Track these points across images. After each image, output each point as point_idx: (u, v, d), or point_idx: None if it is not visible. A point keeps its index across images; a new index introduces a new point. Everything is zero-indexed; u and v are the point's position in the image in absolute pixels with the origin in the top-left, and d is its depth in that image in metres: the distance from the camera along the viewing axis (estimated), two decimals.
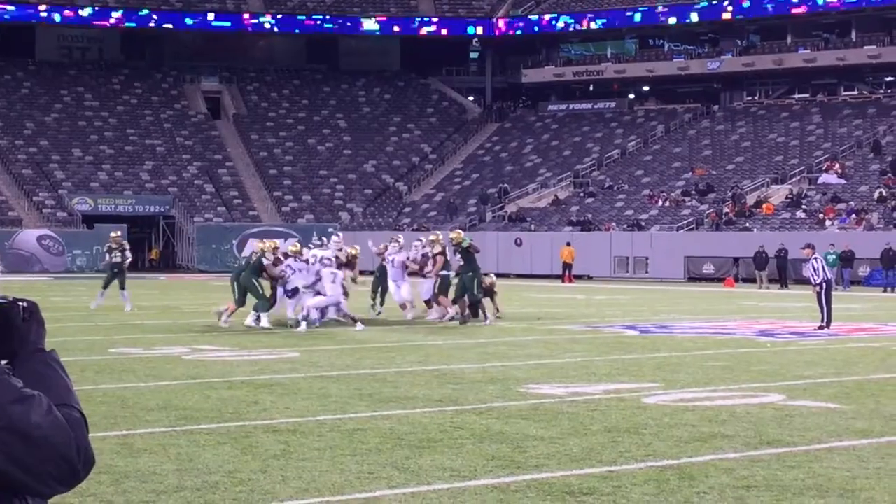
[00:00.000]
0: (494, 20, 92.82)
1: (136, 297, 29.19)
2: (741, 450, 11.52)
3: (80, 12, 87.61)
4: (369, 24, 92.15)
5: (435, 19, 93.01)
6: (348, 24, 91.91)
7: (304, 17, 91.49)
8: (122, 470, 10.27)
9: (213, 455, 11.00)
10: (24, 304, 3.00)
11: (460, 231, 32.18)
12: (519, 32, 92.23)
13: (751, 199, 67.60)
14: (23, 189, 76.53)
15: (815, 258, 28.07)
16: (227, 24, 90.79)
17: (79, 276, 63.74)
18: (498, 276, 62.67)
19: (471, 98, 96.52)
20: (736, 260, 59.55)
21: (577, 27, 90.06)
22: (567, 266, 61.32)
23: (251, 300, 27.37)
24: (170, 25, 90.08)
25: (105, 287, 33.34)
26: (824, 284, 27.58)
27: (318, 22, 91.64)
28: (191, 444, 11.63)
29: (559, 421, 13.19)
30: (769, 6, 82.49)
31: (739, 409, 14.28)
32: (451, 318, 28.84)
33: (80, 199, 75.49)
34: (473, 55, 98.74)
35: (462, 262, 29.43)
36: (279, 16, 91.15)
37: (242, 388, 15.93)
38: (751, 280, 56.16)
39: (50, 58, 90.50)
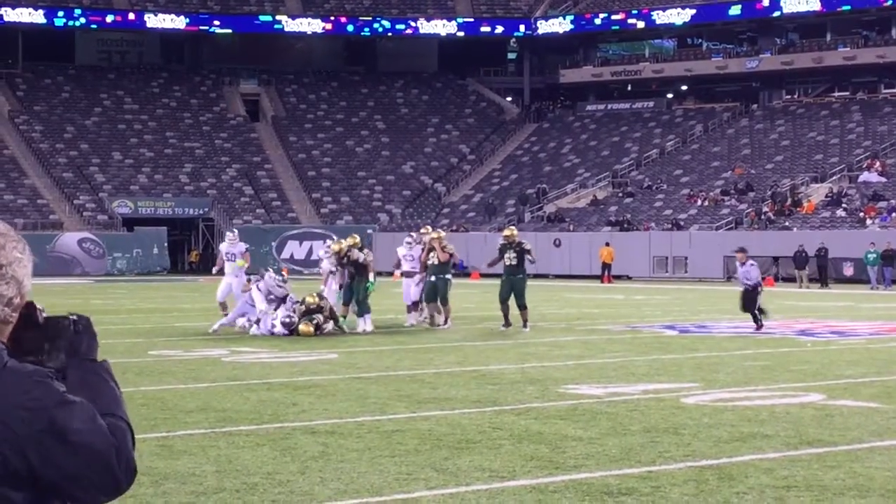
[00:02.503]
0: (532, 20, 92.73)
1: (176, 300, 29.41)
2: (781, 450, 11.46)
3: (120, 16, 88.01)
4: (407, 26, 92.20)
5: (472, 20, 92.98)
6: (386, 25, 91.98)
7: (342, 19, 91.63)
8: (161, 471, 10.32)
9: (253, 456, 11.03)
10: (75, 318, 3.02)
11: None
12: (557, 32, 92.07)
13: (790, 198, 67.26)
14: (63, 192, 76.94)
15: (752, 263, 28.00)
16: (266, 26, 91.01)
17: (119, 279, 64.09)
18: (536, 276, 62.77)
19: (509, 98, 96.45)
20: (776, 259, 59.27)
21: (616, 26, 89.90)
22: (606, 266, 61.21)
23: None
24: (209, 28, 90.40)
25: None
26: (759, 287, 27.44)
27: (357, 24, 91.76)
28: (230, 445, 11.67)
29: (598, 421, 13.17)
30: (809, 4, 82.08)
31: (779, 408, 14.22)
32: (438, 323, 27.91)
33: (120, 202, 75.84)
34: (511, 55, 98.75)
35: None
36: (317, 18, 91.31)
37: (281, 390, 15.97)
38: (790, 279, 55.89)
39: (89, 62, 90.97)
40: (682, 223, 67.61)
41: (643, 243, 64.42)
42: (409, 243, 29.53)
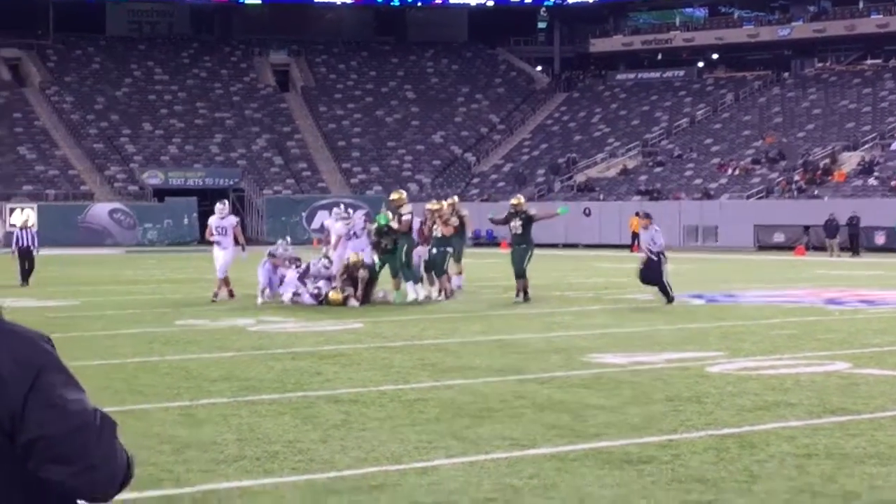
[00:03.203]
0: None
1: (205, 270, 29.46)
2: (804, 418, 11.42)
3: None
4: None
5: None
6: None
7: None
8: (183, 440, 10.36)
9: (274, 425, 11.06)
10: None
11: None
12: (587, 1, 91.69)
13: (830, 165, 66.91)
14: (94, 163, 77.19)
15: (656, 229, 26.31)
16: None
17: (150, 250, 64.31)
18: (566, 246, 62.66)
19: (539, 68, 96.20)
20: (806, 228, 59.02)
21: None
22: (636, 236, 60.99)
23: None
24: None
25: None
26: (661, 256, 25.80)
27: None
28: (252, 414, 11.70)
29: (621, 390, 13.15)
30: None
31: (804, 377, 14.17)
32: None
33: (150, 172, 76.03)
34: (542, 25, 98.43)
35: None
36: None
37: (306, 359, 16.00)
38: (822, 248, 55.66)
39: (120, 33, 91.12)
40: (712, 192, 67.39)
41: (673, 213, 64.20)
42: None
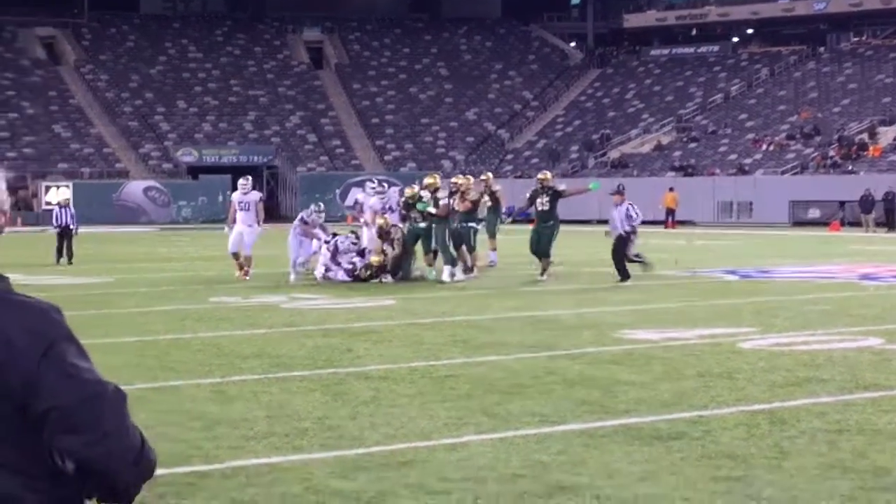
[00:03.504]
0: None
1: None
2: (835, 394, 11.38)
3: None
4: None
5: None
6: None
7: None
8: (214, 416, 10.38)
9: (304, 402, 11.08)
10: None
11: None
12: None
13: (857, 142, 66.52)
14: (129, 141, 77.43)
15: (630, 204, 25.66)
16: None
17: (184, 227, 64.49)
18: (600, 221, 62.44)
19: (572, 44, 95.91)
20: (842, 204, 58.72)
21: None
22: (670, 212, 60.89)
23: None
24: None
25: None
26: (631, 234, 25.21)
27: None
28: (282, 391, 11.72)
29: (652, 366, 13.12)
30: None
31: (836, 353, 14.11)
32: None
33: (184, 150, 76.21)
34: (575, 1, 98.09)
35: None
36: None
37: (337, 336, 16.01)
38: (857, 224, 55.38)
39: (154, 11, 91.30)
40: (746, 168, 67.10)
41: (708, 188, 64.02)
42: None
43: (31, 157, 73.97)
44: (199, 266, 31.26)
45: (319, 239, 26.37)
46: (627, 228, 25.19)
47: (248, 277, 26.05)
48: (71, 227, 33.08)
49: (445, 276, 25.25)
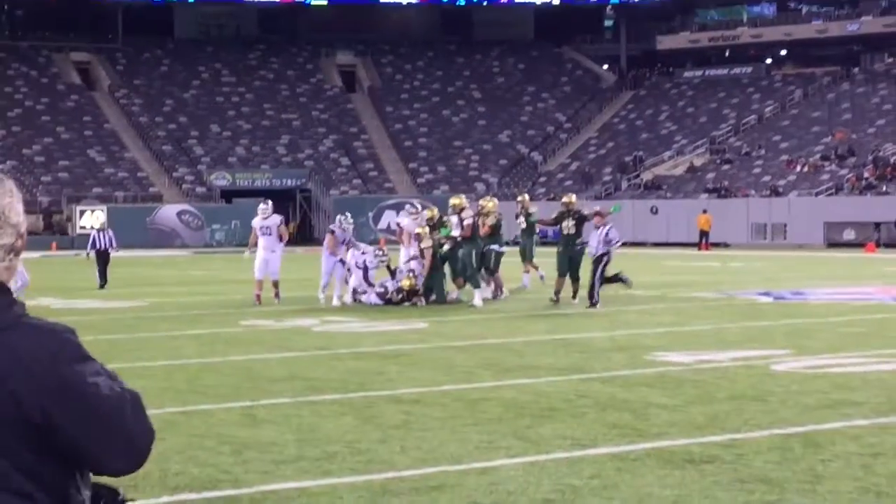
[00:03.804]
0: None
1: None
2: (870, 417, 11.26)
3: None
4: None
5: None
6: None
7: None
8: (243, 440, 10.35)
9: (335, 425, 11.03)
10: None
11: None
12: None
13: (892, 163, 66.15)
14: (163, 165, 77.73)
15: (610, 227, 24.99)
16: None
17: (218, 251, 64.62)
18: (633, 244, 62.43)
19: (605, 66, 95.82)
20: (877, 225, 58.42)
21: None
22: (704, 234, 60.71)
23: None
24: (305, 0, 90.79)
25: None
26: (606, 257, 24.63)
27: None
28: (313, 414, 11.68)
29: (684, 389, 13.03)
30: None
31: (871, 375, 13.99)
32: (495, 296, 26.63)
33: (218, 174, 76.43)
34: (608, 23, 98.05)
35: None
36: None
37: (369, 359, 15.97)
38: (893, 245, 55.06)
39: (188, 35, 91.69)
40: (780, 189, 66.84)
41: (741, 210, 63.82)
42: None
43: (66, 181, 74.34)
44: (232, 289, 31.28)
45: (344, 262, 26.15)
46: (602, 250, 24.65)
47: (278, 300, 25.86)
48: (110, 250, 33.10)
49: (477, 301, 25.01)
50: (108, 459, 2.87)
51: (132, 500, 3.11)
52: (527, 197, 31.46)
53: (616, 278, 25.26)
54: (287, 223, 76.02)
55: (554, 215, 26.89)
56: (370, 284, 25.73)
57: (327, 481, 8.83)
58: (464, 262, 25.66)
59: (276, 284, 26.27)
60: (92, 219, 61.79)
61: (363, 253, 26.36)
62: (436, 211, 27.13)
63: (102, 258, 32.99)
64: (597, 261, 24.62)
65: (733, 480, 8.70)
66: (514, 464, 9.37)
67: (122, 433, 2.85)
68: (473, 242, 25.84)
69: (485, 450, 9.91)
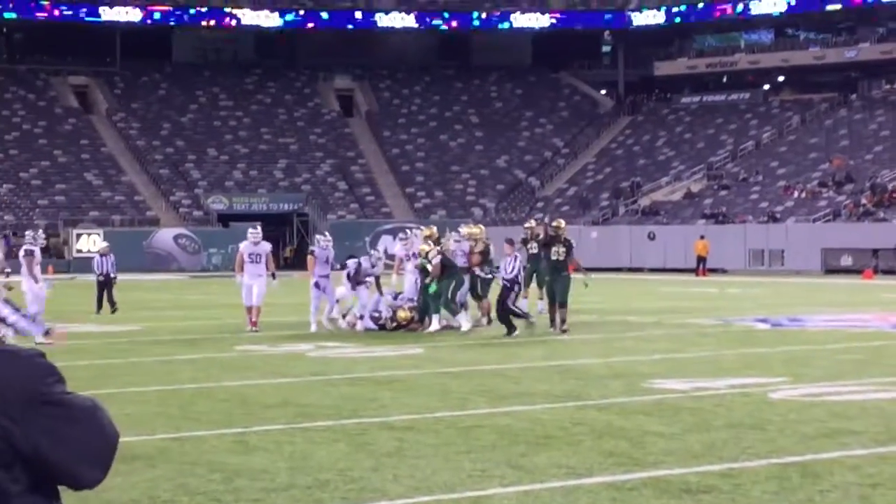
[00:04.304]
0: (626, 12, 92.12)
1: (268, 295, 28.95)
2: (870, 446, 11.14)
3: (214, 19, 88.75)
4: (500, 20, 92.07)
5: (566, 13, 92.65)
6: (480, 19, 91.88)
7: (434, 15, 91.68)
8: (234, 468, 10.22)
9: (327, 453, 10.91)
10: None
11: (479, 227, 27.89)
12: (651, 24, 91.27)
13: (889, 189, 66.14)
14: (160, 189, 77.66)
15: (517, 257, 24.71)
16: (360, 22, 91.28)
17: (214, 275, 64.48)
18: (631, 270, 62.30)
19: (603, 92, 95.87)
20: (875, 251, 58.33)
21: (711, 18, 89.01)
22: (701, 259, 60.60)
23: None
24: (303, 25, 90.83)
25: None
26: (515, 285, 24.19)
27: (450, 19, 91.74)
28: (306, 441, 11.55)
29: (681, 417, 12.90)
30: None
31: (870, 403, 13.87)
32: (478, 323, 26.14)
33: (215, 198, 76.39)
34: (605, 48, 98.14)
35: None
36: (410, 13, 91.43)
37: (363, 385, 15.85)
38: (891, 272, 54.98)
39: (186, 59, 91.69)
40: (778, 216, 66.78)
41: (739, 236, 63.72)
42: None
43: (63, 204, 74.26)
44: (227, 314, 31.10)
45: (326, 282, 25.79)
46: (509, 277, 24.15)
47: (256, 329, 25.03)
48: (112, 275, 32.83)
49: (465, 327, 24.83)
50: (85, 468, 2.83)
51: None
52: (534, 223, 30.94)
53: (523, 314, 24.61)
54: (284, 247, 76.63)
55: (544, 241, 26.37)
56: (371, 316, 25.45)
57: None
58: (441, 293, 25.19)
59: (258, 312, 25.52)
60: (97, 244, 61.67)
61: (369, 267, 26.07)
62: (434, 230, 26.97)
63: (104, 283, 32.64)
64: (506, 289, 24.01)
65: None
66: (507, 493, 9.25)
67: (101, 435, 2.84)
68: (453, 276, 25.35)
69: (478, 478, 9.79)
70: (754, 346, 21.30)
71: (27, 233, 27.35)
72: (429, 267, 25.27)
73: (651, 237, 66.07)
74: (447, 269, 25.19)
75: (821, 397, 14.42)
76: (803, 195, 69.36)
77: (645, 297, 38.58)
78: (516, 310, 24.34)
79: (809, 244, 60.63)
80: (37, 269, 25.36)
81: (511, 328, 23.69)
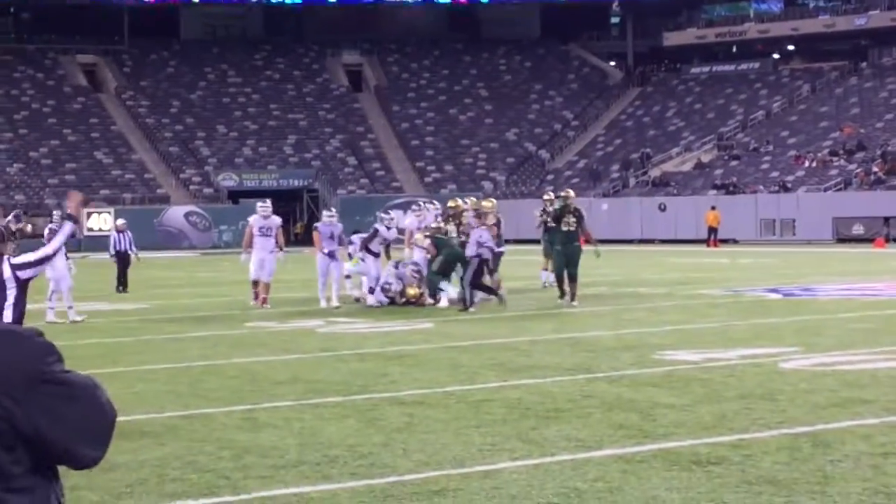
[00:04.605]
0: None
1: (279, 272, 28.74)
2: (881, 415, 11.10)
3: None
4: None
5: None
6: None
7: None
8: (243, 445, 10.21)
9: (336, 429, 10.88)
10: None
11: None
12: None
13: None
14: (170, 166, 77.63)
15: (483, 232, 24.20)
16: None
17: (225, 252, 64.48)
18: (642, 241, 62.18)
19: (612, 63, 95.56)
20: (886, 220, 58.17)
21: None
22: (712, 230, 60.50)
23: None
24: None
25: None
26: (482, 262, 23.90)
27: None
28: (315, 417, 11.53)
29: (692, 388, 12.86)
30: None
31: (881, 372, 13.81)
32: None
33: (225, 175, 76.36)
34: (614, 20, 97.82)
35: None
36: None
37: (373, 360, 15.82)
38: None
39: (194, 37, 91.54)
40: (789, 185, 66.59)
41: (750, 206, 63.58)
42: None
43: (73, 183, 74.12)
44: (237, 290, 31.05)
45: (336, 258, 25.72)
46: (474, 253, 23.86)
47: (267, 306, 25.03)
48: (130, 252, 32.34)
49: (443, 303, 24.66)
50: (84, 446, 2.84)
51: None
52: (552, 195, 30.49)
53: (491, 290, 24.48)
54: (294, 223, 76.59)
55: (554, 213, 25.99)
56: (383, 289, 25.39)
57: (328, 487, 8.68)
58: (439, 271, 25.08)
59: (267, 288, 25.52)
60: (101, 221, 61.64)
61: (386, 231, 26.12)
62: (459, 202, 26.89)
63: (121, 260, 32.16)
64: (471, 264, 23.81)
65: (741, 482, 8.54)
66: (517, 466, 9.22)
67: (101, 413, 2.85)
68: (448, 254, 25.04)
69: (488, 452, 9.76)
70: (765, 317, 21.23)
71: (54, 213, 27.24)
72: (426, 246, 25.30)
73: (662, 208, 65.94)
74: (440, 248, 25.09)
75: (832, 367, 14.37)
76: (814, 164, 69.14)
77: (656, 268, 38.49)
78: (484, 284, 24.26)
79: (821, 213, 60.48)
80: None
81: (467, 303, 23.53)
